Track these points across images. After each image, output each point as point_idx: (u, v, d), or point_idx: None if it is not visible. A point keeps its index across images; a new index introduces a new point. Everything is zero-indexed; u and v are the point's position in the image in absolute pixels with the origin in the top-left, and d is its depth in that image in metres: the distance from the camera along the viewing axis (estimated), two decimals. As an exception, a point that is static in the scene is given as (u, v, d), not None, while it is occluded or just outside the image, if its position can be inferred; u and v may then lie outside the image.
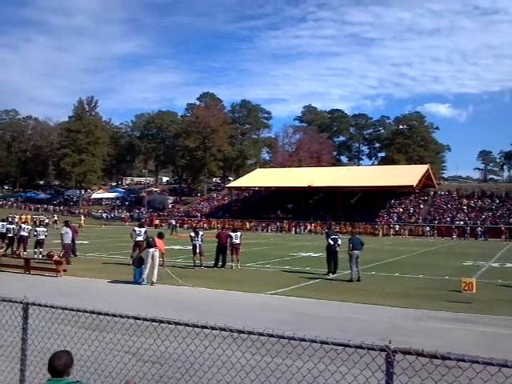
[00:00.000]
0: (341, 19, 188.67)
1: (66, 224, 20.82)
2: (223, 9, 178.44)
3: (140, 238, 19.98)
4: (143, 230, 20.51)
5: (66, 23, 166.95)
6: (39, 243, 22.49)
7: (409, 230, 55.83)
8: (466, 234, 51.57)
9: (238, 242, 20.34)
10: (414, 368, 3.38)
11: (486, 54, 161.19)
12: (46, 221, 55.34)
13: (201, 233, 20.79)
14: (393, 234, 54.64)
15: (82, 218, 60.39)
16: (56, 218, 59.21)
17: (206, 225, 62.38)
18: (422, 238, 50.67)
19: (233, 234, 20.47)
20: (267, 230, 59.51)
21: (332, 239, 18.47)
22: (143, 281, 15.27)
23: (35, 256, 20.99)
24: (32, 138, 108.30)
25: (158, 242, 16.26)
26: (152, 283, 15.19)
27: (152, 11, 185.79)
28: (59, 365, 3.27)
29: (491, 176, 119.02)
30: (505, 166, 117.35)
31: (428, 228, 55.37)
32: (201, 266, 19.79)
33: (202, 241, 20.25)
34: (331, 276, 17.82)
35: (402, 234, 54.55)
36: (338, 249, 18.50)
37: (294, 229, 58.89)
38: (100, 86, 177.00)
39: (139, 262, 15.75)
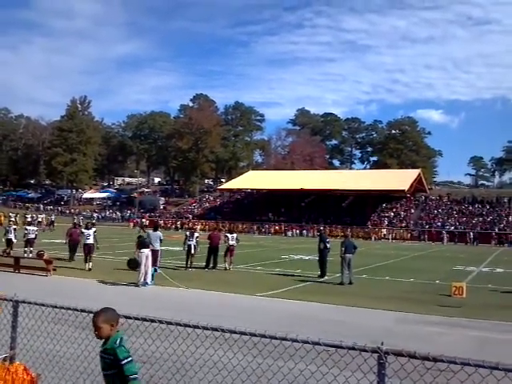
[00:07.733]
0: (337, 26, 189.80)
1: (155, 228, 20.00)
2: (222, 14, 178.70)
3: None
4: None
5: (67, 26, 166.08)
6: (29, 242, 22.33)
7: (399, 234, 55.99)
8: (457, 239, 51.83)
9: (233, 243, 20.32)
10: (406, 370, 3.37)
11: (478, 63, 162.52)
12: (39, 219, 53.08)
13: (196, 234, 20.65)
14: (384, 238, 54.74)
15: (44, 216, 55.93)
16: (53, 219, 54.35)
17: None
18: (413, 243, 50.82)
19: (229, 236, 20.44)
20: (259, 232, 59.47)
21: (328, 242, 19.02)
22: (148, 283, 15.11)
23: (25, 255, 20.85)
24: (23, 137, 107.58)
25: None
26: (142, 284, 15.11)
27: (152, 15, 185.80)
28: (96, 320, 3.57)
29: (482, 182, 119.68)
30: (496, 172, 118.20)
31: (419, 232, 55.53)
32: (190, 266, 19.66)
33: (196, 242, 20.09)
34: (323, 279, 17.88)
35: (392, 238, 54.69)
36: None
37: (284, 231, 58.87)
38: (98, 87, 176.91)
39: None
